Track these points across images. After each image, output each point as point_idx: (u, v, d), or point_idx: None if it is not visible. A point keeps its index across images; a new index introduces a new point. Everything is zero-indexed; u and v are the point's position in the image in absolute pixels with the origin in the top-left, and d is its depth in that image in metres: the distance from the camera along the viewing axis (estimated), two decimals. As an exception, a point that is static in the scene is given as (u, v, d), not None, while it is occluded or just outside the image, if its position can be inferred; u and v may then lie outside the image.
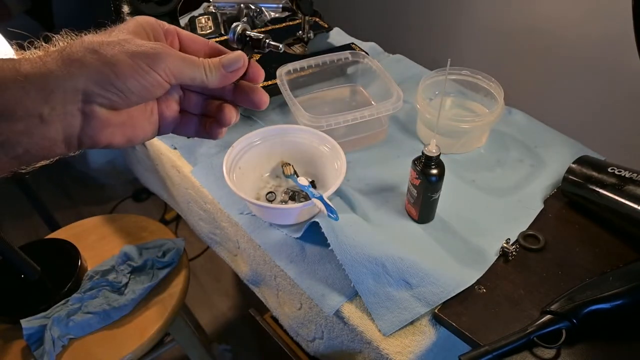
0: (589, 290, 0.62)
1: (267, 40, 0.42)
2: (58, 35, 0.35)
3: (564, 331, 0.60)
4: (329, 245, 0.69)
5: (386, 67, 1.04)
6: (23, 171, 0.33)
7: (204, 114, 0.41)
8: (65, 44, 0.33)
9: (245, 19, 1.26)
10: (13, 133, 0.30)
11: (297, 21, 1.26)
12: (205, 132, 0.41)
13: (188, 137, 0.96)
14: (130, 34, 0.35)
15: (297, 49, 1.15)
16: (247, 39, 0.42)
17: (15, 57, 0.32)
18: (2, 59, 0.31)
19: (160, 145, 0.98)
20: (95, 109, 0.33)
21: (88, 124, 0.33)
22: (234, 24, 0.43)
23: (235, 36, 0.43)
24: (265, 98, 0.41)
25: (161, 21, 0.38)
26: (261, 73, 0.40)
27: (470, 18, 1.45)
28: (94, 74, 0.32)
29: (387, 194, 0.84)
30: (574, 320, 0.60)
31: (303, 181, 0.78)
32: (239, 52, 0.40)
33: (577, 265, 0.71)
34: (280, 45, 0.44)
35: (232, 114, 0.40)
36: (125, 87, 0.33)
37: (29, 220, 1.84)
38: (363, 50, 1.12)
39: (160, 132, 0.40)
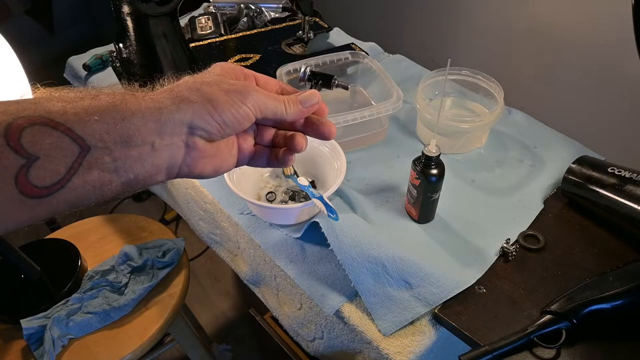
0: (589, 290, 0.62)
1: (336, 81, 0.50)
2: (162, 79, 0.40)
3: (564, 331, 0.60)
4: (329, 245, 0.69)
5: (386, 67, 1.04)
6: (120, 197, 0.37)
7: (273, 145, 0.46)
8: (171, 84, 0.39)
9: (245, 19, 1.26)
10: (129, 159, 0.34)
11: (297, 21, 1.26)
12: (275, 161, 0.45)
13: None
14: (219, 76, 0.40)
15: (297, 49, 1.15)
16: (317, 78, 0.47)
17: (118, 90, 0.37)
18: (129, 94, 0.35)
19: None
20: (196, 140, 0.37)
21: (189, 155, 0.38)
22: (303, 67, 0.49)
23: (306, 76, 0.48)
24: (333, 129, 0.45)
25: (240, 66, 0.43)
26: (326, 109, 0.46)
27: (471, 18, 1.45)
28: (198, 108, 0.37)
29: (387, 194, 0.84)
30: (574, 320, 0.60)
31: (303, 181, 0.78)
32: (314, 90, 0.44)
33: (577, 265, 0.71)
34: (349, 85, 0.49)
35: (302, 142, 0.44)
36: (222, 119, 0.38)
37: (29, 220, 1.84)
38: (363, 50, 1.12)
39: (237, 164, 0.44)
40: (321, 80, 0.47)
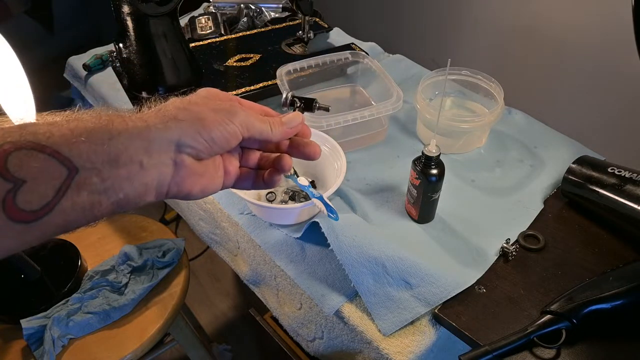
0: (589, 290, 0.62)
1: (317, 104, 0.54)
2: (149, 101, 0.41)
3: (564, 331, 0.60)
4: (329, 245, 0.70)
5: (386, 67, 1.04)
6: (110, 217, 0.37)
7: (259, 168, 0.47)
8: (159, 105, 0.39)
9: (245, 19, 1.26)
10: (117, 178, 0.34)
11: (297, 21, 1.26)
12: (262, 182, 0.47)
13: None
14: (206, 98, 0.42)
15: (297, 49, 1.15)
16: (299, 102, 0.53)
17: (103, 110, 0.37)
18: (115, 115, 0.36)
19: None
20: (184, 158, 0.38)
21: (177, 173, 0.38)
22: (284, 93, 0.55)
23: (287, 101, 0.54)
24: (317, 149, 0.47)
25: (224, 92, 0.45)
26: (309, 130, 0.48)
27: (471, 18, 1.45)
28: (186, 127, 0.37)
29: (387, 194, 0.84)
30: (574, 320, 0.60)
31: (303, 181, 0.78)
32: (297, 112, 0.47)
33: (577, 265, 0.71)
34: (330, 107, 0.55)
35: (288, 162, 0.45)
36: (210, 137, 0.38)
37: (29, 220, 1.83)
38: (363, 50, 1.12)
39: (223, 186, 0.44)
40: (303, 103, 0.52)
